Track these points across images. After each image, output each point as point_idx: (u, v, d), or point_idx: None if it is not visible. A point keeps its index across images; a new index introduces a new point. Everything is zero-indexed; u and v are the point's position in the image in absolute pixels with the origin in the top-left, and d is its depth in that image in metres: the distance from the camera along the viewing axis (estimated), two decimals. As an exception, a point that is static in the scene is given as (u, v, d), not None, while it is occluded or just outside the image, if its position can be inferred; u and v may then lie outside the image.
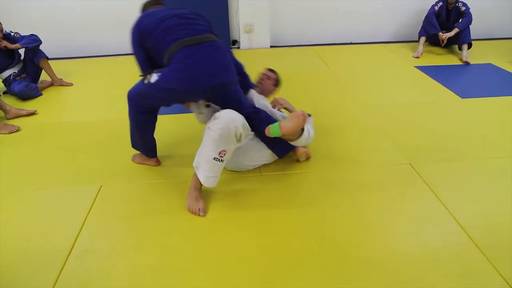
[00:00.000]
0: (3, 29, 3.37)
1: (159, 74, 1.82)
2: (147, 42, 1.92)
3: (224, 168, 2.04)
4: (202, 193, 1.93)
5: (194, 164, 1.92)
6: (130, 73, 4.10)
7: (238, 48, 4.83)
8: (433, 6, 4.45)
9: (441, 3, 4.41)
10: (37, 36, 3.56)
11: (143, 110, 2.03)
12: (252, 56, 4.51)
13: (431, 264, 1.54)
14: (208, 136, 1.81)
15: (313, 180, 2.13)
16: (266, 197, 1.98)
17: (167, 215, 1.88)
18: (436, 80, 3.58)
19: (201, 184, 1.90)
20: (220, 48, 1.89)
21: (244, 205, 1.93)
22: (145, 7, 2.18)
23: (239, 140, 1.84)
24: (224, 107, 1.91)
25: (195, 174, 1.91)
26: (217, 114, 1.81)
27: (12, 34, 3.48)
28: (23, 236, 1.77)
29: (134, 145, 2.28)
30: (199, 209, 1.85)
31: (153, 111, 2.08)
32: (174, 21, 1.88)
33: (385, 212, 1.87)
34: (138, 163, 2.31)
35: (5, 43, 3.36)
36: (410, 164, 2.25)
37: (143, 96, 1.94)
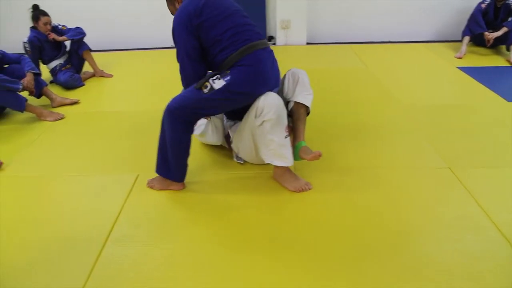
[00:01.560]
0: (51, 22, 3.53)
1: (226, 78, 1.76)
2: (205, 33, 1.79)
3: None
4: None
5: (268, 160, 1.94)
6: (168, 65, 4.20)
7: (274, 44, 4.82)
8: (479, 3, 4.25)
9: (488, 0, 4.20)
10: (82, 28, 3.71)
11: (189, 125, 1.90)
12: (288, 52, 4.49)
13: (471, 273, 1.48)
14: (266, 128, 1.84)
15: (350, 180, 2.09)
16: (302, 196, 1.97)
17: (201, 206, 1.92)
18: (480, 82, 3.42)
19: (287, 167, 1.97)
20: (274, 56, 1.97)
21: (279, 202, 1.94)
22: (172, 2, 2.01)
23: None
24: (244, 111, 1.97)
25: (276, 166, 1.96)
26: (259, 106, 1.81)
27: (59, 26, 3.65)
28: (63, 221, 1.85)
29: (162, 170, 1.98)
30: (305, 184, 1.97)
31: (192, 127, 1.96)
32: (239, 20, 1.84)
33: (423, 216, 1.81)
34: (159, 189, 2.02)
35: (53, 35, 3.53)
36: (449, 168, 2.17)
37: (197, 108, 1.85)
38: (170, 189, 2.01)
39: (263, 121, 1.83)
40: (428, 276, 1.48)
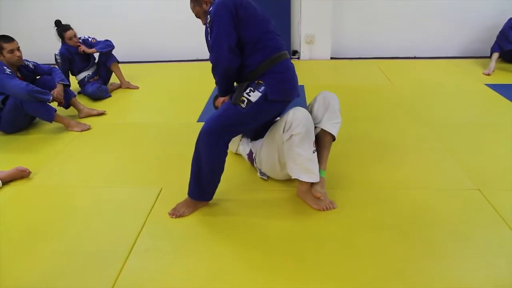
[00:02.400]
0: (76, 34, 3.65)
1: (261, 89, 1.78)
2: (245, 29, 1.76)
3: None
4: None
5: (295, 175, 1.89)
6: (193, 78, 4.32)
7: (298, 58, 4.84)
8: (510, 19, 4.14)
9: (519, 17, 4.10)
10: (110, 41, 3.82)
11: (227, 144, 1.85)
12: (312, 67, 4.50)
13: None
14: (295, 142, 1.81)
15: (375, 200, 2.05)
16: (326, 215, 1.94)
17: (224, 221, 1.91)
18: (509, 100, 3.32)
19: (311, 184, 1.93)
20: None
21: (303, 220, 1.91)
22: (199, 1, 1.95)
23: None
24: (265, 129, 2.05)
25: (301, 182, 1.93)
26: (288, 120, 1.80)
27: (89, 39, 3.77)
28: (87, 232, 1.88)
29: (196, 195, 1.92)
30: (330, 203, 1.94)
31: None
32: (272, 27, 1.87)
33: (453, 240, 1.74)
34: (190, 213, 1.95)
35: (83, 47, 3.65)
36: (479, 189, 2.10)
37: (237, 124, 1.83)
38: (198, 208, 1.98)
39: (291, 135, 1.81)
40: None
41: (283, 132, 1.84)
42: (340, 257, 1.66)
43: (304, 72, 4.25)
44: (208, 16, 1.80)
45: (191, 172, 1.89)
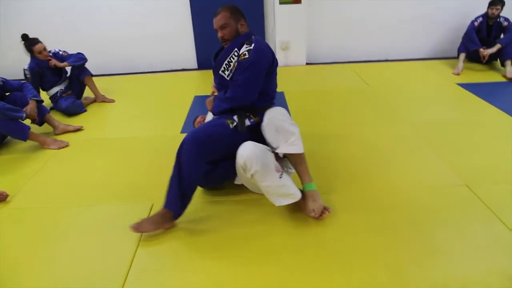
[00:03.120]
0: (45, 47, 3.49)
1: (252, 121, 1.99)
2: (267, 80, 2.01)
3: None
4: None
5: (277, 203, 1.86)
6: (169, 89, 4.24)
7: (274, 65, 4.85)
8: (472, 22, 4.36)
9: (481, 18, 4.32)
10: (83, 54, 3.69)
11: (205, 157, 1.88)
12: (288, 73, 4.52)
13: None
14: (258, 180, 1.81)
15: (368, 201, 2.06)
16: (322, 219, 1.93)
17: (221, 234, 1.86)
18: (481, 98, 3.47)
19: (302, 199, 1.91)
20: None
21: (299, 226, 1.89)
22: (238, 19, 2.06)
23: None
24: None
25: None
26: (241, 163, 1.80)
27: (60, 52, 3.62)
28: (77, 256, 1.77)
29: (172, 204, 1.86)
30: (325, 209, 1.90)
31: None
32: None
33: (449, 236, 1.78)
34: (152, 230, 1.85)
35: (54, 61, 3.50)
36: (466, 185, 2.16)
37: (218, 140, 1.88)
38: (163, 228, 1.88)
39: (251, 174, 1.80)
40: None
41: (244, 172, 1.83)
42: (342, 260, 1.66)
43: (281, 79, 4.17)
44: (246, 52, 1.95)
45: (170, 182, 1.85)
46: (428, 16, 4.83)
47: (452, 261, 1.63)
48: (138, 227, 1.84)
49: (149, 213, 2.02)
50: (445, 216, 1.92)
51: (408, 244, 1.74)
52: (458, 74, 4.21)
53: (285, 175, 1.85)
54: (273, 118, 1.89)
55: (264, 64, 1.96)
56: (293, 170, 2.12)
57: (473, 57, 4.43)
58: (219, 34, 2.04)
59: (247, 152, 1.77)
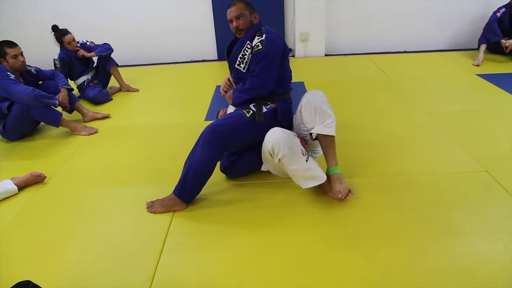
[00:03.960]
0: (74, 38, 3.63)
1: (268, 107, 2.08)
2: (282, 66, 2.09)
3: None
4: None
5: (304, 186, 1.94)
6: (191, 79, 4.35)
7: (293, 56, 4.92)
8: (494, 12, 4.32)
9: (503, 9, 4.28)
10: (109, 44, 3.81)
11: (222, 151, 1.98)
12: (308, 64, 4.58)
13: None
14: (285, 164, 1.90)
15: (389, 185, 2.13)
16: (349, 203, 2.00)
17: (247, 213, 1.95)
18: (502, 89, 3.47)
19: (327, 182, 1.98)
20: None
21: (325, 207, 1.97)
22: (252, 12, 2.13)
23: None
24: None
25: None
26: (269, 148, 1.89)
27: (87, 43, 3.75)
28: (114, 232, 1.88)
29: (178, 190, 1.98)
30: (349, 191, 1.95)
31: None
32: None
33: (469, 218, 1.83)
34: (163, 212, 1.98)
35: (82, 52, 3.63)
36: (486, 171, 2.21)
37: (237, 131, 1.97)
38: (173, 210, 1.99)
39: (279, 159, 1.88)
40: (485, 274, 1.50)
41: (272, 157, 1.91)
42: (366, 238, 1.73)
43: (301, 69, 4.33)
44: (259, 43, 2.02)
45: (183, 168, 1.98)
46: (447, 7, 4.80)
47: (471, 241, 1.68)
48: (150, 207, 2.01)
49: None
50: (465, 200, 1.98)
51: (428, 225, 1.80)
52: (478, 65, 4.19)
53: (310, 159, 1.93)
54: (313, 99, 1.97)
55: (277, 53, 2.03)
56: (317, 155, 2.20)
57: (494, 49, 4.40)
58: (234, 24, 2.10)
59: (275, 137, 1.86)
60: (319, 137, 1.98)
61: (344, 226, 1.83)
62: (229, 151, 2.19)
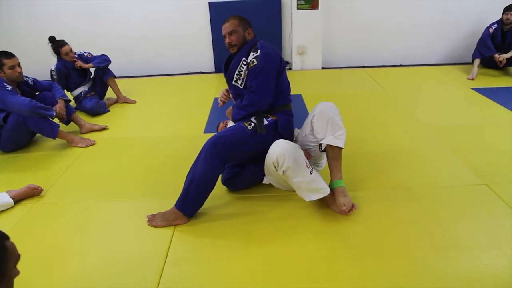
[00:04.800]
0: (71, 49, 3.62)
1: (269, 119, 2.06)
2: (279, 79, 2.08)
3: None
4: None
5: (307, 198, 1.94)
6: (188, 91, 4.35)
7: (290, 69, 4.96)
8: (487, 28, 4.43)
9: (496, 25, 4.38)
10: (107, 56, 3.81)
11: (224, 163, 1.97)
12: (305, 77, 4.62)
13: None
14: (290, 176, 1.89)
15: (390, 198, 2.13)
16: (352, 218, 1.99)
17: (250, 227, 1.93)
18: (497, 102, 3.52)
19: (331, 195, 1.98)
20: None
21: (327, 221, 1.96)
22: (246, 28, 2.14)
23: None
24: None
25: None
26: (273, 159, 1.88)
27: (85, 54, 3.74)
28: (114, 246, 1.84)
29: (180, 204, 1.95)
30: (352, 205, 1.94)
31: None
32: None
33: (471, 232, 1.83)
34: (164, 226, 1.95)
35: (80, 63, 3.62)
36: (486, 184, 2.22)
37: (238, 143, 1.96)
38: (174, 224, 1.95)
39: (283, 171, 1.88)
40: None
41: (276, 169, 1.91)
42: (370, 252, 1.72)
43: (298, 82, 4.36)
44: (254, 59, 2.02)
45: (185, 181, 1.97)
46: (442, 22, 4.91)
47: (475, 254, 1.68)
48: (152, 220, 1.98)
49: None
50: (467, 213, 1.98)
51: (432, 238, 1.80)
52: (472, 79, 4.27)
53: (314, 171, 1.93)
54: (325, 109, 1.98)
55: (273, 68, 2.03)
56: (320, 168, 2.19)
57: (488, 63, 4.49)
58: (227, 40, 2.13)
59: (280, 149, 1.85)
60: (327, 148, 1.98)
61: (348, 240, 1.82)
62: (230, 164, 2.18)
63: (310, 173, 1.89)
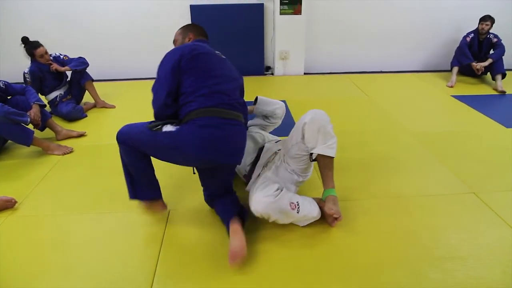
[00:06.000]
0: (46, 51, 3.44)
1: (176, 127, 1.71)
2: (186, 80, 1.77)
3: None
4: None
5: (301, 225, 1.93)
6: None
7: (272, 74, 4.92)
8: (464, 37, 4.55)
9: (472, 34, 4.50)
10: (85, 58, 3.65)
11: (138, 153, 1.84)
12: (288, 82, 4.58)
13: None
14: (281, 222, 1.86)
15: (379, 209, 2.11)
16: (344, 229, 1.96)
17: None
18: (476, 110, 3.60)
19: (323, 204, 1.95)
20: (243, 131, 1.86)
21: (314, 231, 1.92)
22: (186, 34, 2.04)
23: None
24: (212, 176, 1.94)
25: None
26: (260, 214, 1.77)
27: (61, 57, 3.58)
28: (96, 263, 1.74)
29: (131, 194, 1.93)
30: (339, 213, 1.89)
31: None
32: (221, 86, 1.79)
33: (463, 241, 1.84)
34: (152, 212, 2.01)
35: (55, 66, 3.45)
36: (474, 193, 2.24)
37: (139, 141, 1.79)
38: (152, 210, 1.98)
39: (272, 221, 1.82)
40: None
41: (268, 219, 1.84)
42: (364, 266, 1.69)
43: (281, 87, 4.34)
44: None
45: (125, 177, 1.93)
46: (421, 29, 5.01)
47: (470, 265, 1.68)
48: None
49: (167, 220, 2.02)
50: (457, 222, 1.99)
51: (426, 249, 1.79)
52: (451, 87, 4.36)
53: (301, 205, 1.84)
54: (317, 118, 1.90)
55: (165, 71, 1.79)
56: (307, 179, 2.12)
57: (466, 71, 4.61)
58: None
59: (262, 207, 1.74)
60: (318, 158, 1.93)
61: (342, 253, 1.78)
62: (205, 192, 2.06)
63: (297, 212, 1.82)
